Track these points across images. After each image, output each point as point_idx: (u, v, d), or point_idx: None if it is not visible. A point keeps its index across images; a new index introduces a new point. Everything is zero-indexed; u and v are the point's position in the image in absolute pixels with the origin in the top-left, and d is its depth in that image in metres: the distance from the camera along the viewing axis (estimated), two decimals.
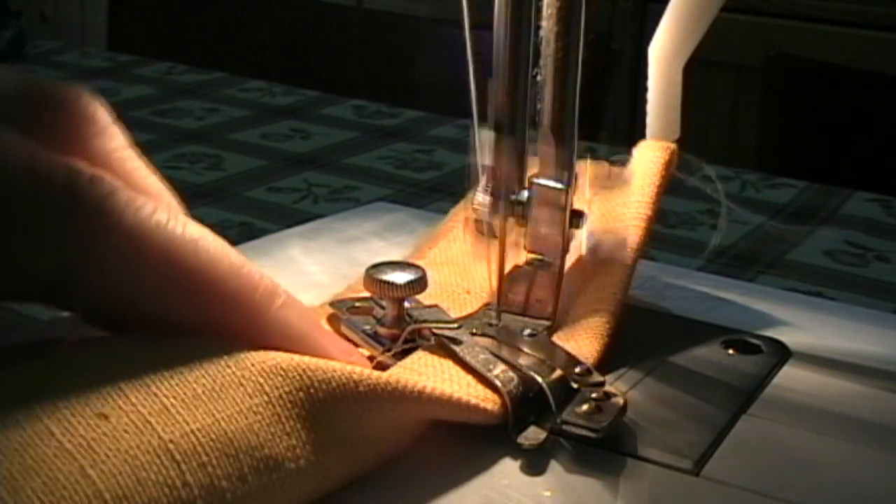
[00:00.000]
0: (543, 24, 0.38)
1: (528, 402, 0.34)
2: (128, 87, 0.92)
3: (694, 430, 0.35)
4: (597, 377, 0.36)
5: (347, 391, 0.30)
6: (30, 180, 0.27)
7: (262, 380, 0.29)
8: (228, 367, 0.29)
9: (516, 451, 0.34)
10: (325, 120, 0.86)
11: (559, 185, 0.39)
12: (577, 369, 0.36)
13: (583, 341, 0.38)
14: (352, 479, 0.31)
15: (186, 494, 0.26)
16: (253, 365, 0.30)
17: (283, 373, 0.30)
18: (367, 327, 0.38)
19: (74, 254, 0.28)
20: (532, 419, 0.34)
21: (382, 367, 0.35)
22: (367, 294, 0.38)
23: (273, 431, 0.29)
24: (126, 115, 0.34)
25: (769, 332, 0.42)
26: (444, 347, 0.36)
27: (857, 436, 0.36)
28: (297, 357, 0.30)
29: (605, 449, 0.34)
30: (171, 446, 0.27)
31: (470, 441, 0.34)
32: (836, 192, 0.71)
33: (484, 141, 0.38)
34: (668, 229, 0.64)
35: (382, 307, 0.38)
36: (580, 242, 0.41)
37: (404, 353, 0.36)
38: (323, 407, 0.30)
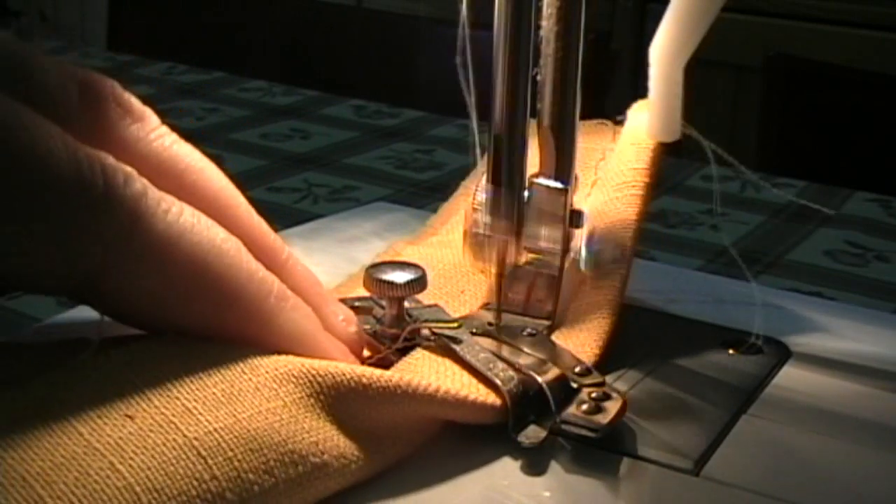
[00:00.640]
0: (543, 24, 0.38)
1: (528, 402, 0.34)
2: (128, 87, 0.92)
3: (694, 430, 0.35)
4: (597, 377, 0.36)
5: (357, 393, 0.31)
6: (73, 179, 0.27)
7: (275, 385, 0.30)
8: (244, 373, 0.30)
9: (516, 451, 0.34)
10: (325, 120, 0.86)
11: (559, 185, 0.39)
12: (577, 369, 0.36)
13: (582, 341, 0.38)
14: (374, 474, 0.32)
15: (215, 487, 0.27)
16: (267, 371, 0.31)
17: (294, 380, 0.31)
18: (368, 327, 0.38)
19: (109, 254, 0.28)
20: (532, 418, 0.34)
21: (384, 365, 0.35)
22: (366, 294, 0.38)
23: (294, 430, 0.30)
24: None
25: (769, 332, 0.42)
26: (444, 347, 0.36)
27: (857, 436, 0.36)
28: (307, 363, 0.31)
29: (605, 449, 0.34)
30: (196, 443, 0.28)
31: (470, 441, 0.34)
32: (836, 192, 0.71)
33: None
34: (668, 229, 0.64)
35: (382, 307, 0.38)
36: (579, 242, 0.41)
37: (404, 352, 0.36)
38: (335, 409, 0.31)
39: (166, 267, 0.29)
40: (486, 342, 0.37)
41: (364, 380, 0.31)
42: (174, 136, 0.33)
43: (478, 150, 0.38)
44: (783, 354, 0.41)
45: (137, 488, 0.26)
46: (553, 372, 0.35)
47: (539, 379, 0.35)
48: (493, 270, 0.39)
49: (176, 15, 1.40)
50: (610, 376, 0.37)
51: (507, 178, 0.38)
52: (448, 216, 0.47)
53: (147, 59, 1.02)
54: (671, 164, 0.75)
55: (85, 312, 0.31)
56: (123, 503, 0.26)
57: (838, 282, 0.57)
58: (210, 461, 0.27)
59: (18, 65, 0.29)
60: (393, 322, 0.37)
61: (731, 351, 0.41)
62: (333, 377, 0.31)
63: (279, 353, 0.31)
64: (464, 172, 0.45)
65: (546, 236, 0.40)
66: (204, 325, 0.31)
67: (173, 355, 0.30)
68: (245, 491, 0.28)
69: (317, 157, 0.76)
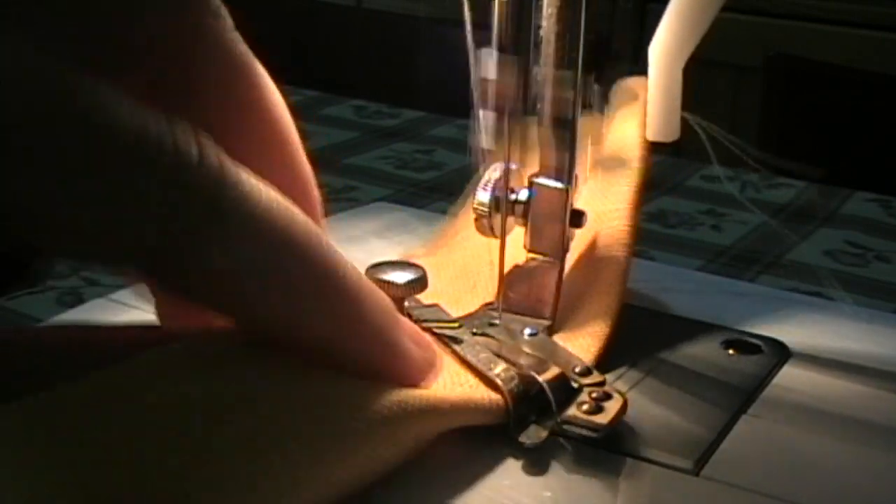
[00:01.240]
0: (543, 23, 0.38)
1: (528, 401, 0.34)
2: None
3: (694, 430, 0.35)
4: (597, 377, 0.36)
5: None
6: (137, 150, 0.25)
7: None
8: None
9: (517, 452, 0.34)
10: (325, 120, 0.86)
11: (559, 185, 0.39)
12: (578, 368, 0.36)
13: (583, 340, 0.38)
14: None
15: None
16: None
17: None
18: None
19: (181, 236, 0.26)
20: (533, 418, 0.34)
21: None
22: None
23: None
24: None
25: (769, 332, 0.42)
26: (445, 347, 0.36)
27: (857, 436, 0.36)
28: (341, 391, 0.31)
29: (605, 449, 0.34)
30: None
31: (471, 441, 0.34)
32: (837, 192, 0.71)
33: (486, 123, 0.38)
34: (668, 229, 0.64)
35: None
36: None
37: None
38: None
39: (247, 245, 0.27)
40: (487, 342, 0.37)
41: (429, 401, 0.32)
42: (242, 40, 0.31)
43: (480, 150, 0.38)
44: (783, 354, 0.41)
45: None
46: (553, 372, 0.35)
47: (540, 379, 0.35)
48: (494, 269, 0.39)
49: None
50: (610, 376, 0.37)
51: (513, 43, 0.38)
52: (444, 238, 0.46)
53: None
54: (671, 164, 0.75)
55: (84, 314, 0.31)
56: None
57: (838, 282, 0.57)
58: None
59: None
60: None
61: (731, 351, 0.41)
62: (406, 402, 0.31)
63: (354, 353, 0.31)
64: (464, 172, 0.45)
65: (546, 236, 0.40)
66: (278, 315, 0.29)
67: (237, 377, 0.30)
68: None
69: (317, 157, 0.76)
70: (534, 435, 0.34)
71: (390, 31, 1.30)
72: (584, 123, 0.40)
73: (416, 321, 0.37)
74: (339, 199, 0.66)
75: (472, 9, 0.36)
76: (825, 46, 1.48)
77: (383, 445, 0.31)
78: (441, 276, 0.42)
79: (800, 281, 0.57)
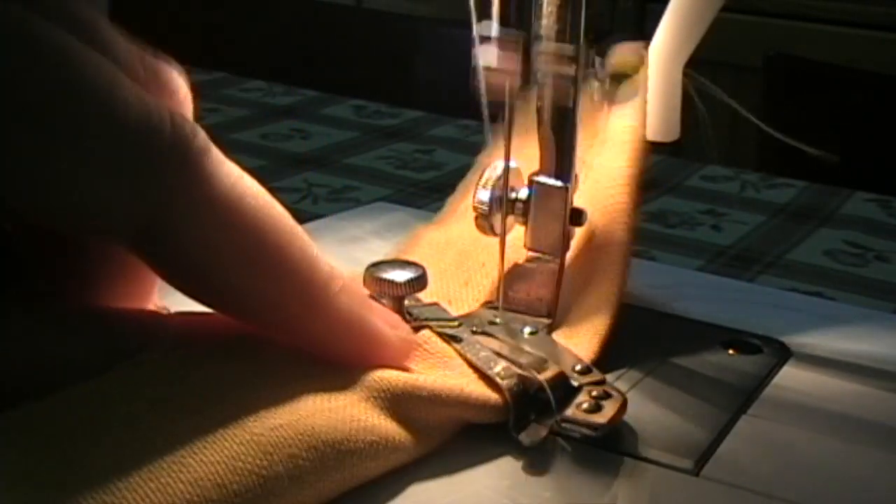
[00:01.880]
0: (543, 23, 0.38)
1: (528, 400, 0.34)
2: None
3: (694, 430, 0.35)
4: (597, 375, 0.36)
5: (412, 396, 0.32)
6: (142, 123, 0.27)
7: (334, 390, 0.31)
8: (306, 377, 0.31)
9: (517, 451, 0.34)
10: (325, 120, 0.86)
11: (559, 184, 0.39)
12: (578, 367, 0.36)
13: (582, 339, 0.38)
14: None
15: (277, 483, 0.28)
16: (324, 378, 0.32)
17: (351, 385, 0.32)
18: None
19: (173, 201, 0.28)
20: (533, 417, 0.34)
21: None
22: (366, 292, 0.38)
23: (353, 428, 0.31)
24: None
25: (769, 332, 0.42)
26: (446, 345, 0.36)
27: (857, 436, 0.36)
28: (364, 373, 0.32)
29: (605, 449, 0.34)
30: (261, 439, 0.28)
31: (470, 441, 0.34)
32: (837, 192, 0.71)
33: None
34: (668, 229, 0.64)
35: (383, 305, 0.38)
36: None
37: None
38: (390, 410, 0.32)
39: (228, 224, 0.29)
40: (487, 341, 0.37)
41: (419, 383, 0.33)
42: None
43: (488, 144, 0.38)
44: (783, 354, 0.41)
45: (206, 483, 0.26)
46: (553, 370, 0.35)
47: (539, 377, 0.35)
48: (493, 269, 0.39)
49: (176, 15, 1.40)
50: (610, 376, 0.37)
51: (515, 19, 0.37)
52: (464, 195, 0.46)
53: None
54: (671, 164, 0.75)
55: None
56: (192, 497, 0.26)
57: (838, 282, 0.57)
58: (275, 457, 0.28)
59: (91, 32, 0.29)
60: None
61: (731, 351, 0.41)
62: (389, 382, 0.32)
63: (330, 340, 0.32)
64: (464, 172, 0.45)
65: (546, 234, 0.40)
66: (254, 297, 0.30)
67: (235, 357, 0.31)
68: (304, 485, 0.29)
69: (317, 157, 0.76)
70: (533, 434, 0.34)
71: (390, 31, 1.30)
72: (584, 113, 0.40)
73: (416, 320, 0.37)
74: (339, 199, 0.66)
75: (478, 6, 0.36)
76: (825, 46, 1.48)
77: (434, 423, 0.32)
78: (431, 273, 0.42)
79: (800, 281, 0.57)
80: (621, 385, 0.37)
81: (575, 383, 0.35)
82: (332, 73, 1.22)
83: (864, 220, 0.66)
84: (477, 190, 0.39)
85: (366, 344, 0.33)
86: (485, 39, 0.37)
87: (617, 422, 0.34)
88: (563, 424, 0.34)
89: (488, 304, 0.40)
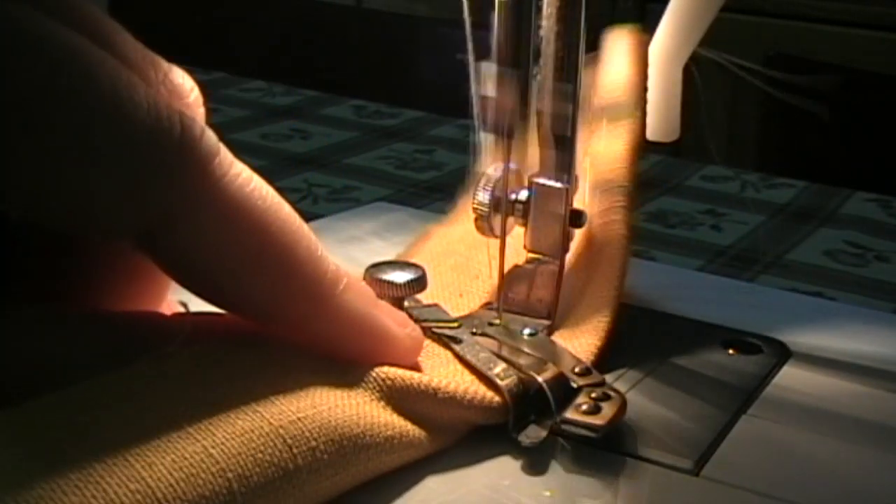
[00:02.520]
0: (543, 23, 0.38)
1: (528, 401, 0.34)
2: None
3: (694, 430, 0.35)
4: (597, 376, 0.36)
5: (423, 395, 0.33)
6: (151, 124, 0.27)
7: (348, 388, 0.32)
8: (318, 373, 0.31)
9: (517, 451, 0.34)
10: (325, 120, 0.86)
11: (559, 185, 0.39)
12: (577, 368, 0.36)
13: (582, 340, 0.38)
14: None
15: (297, 476, 0.28)
16: (338, 375, 0.32)
17: (364, 383, 0.32)
18: None
19: (181, 201, 0.28)
20: (532, 418, 0.34)
21: None
22: None
23: (371, 423, 0.31)
24: None
25: (769, 332, 0.42)
26: (445, 346, 0.36)
27: (857, 436, 0.36)
28: (375, 369, 0.32)
29: (605, 449, 0.34)
30: (281, 431, 0.28)
31: (470, 440, 0.34)
32: (837, 192, 0.71)
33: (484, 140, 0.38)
34: (668, 229, 0.64)
35: None
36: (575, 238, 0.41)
37: None
38: (402, 407, 0.33)
39: (235, 225, 0.29)
40: (486, 342, 0.37)
41: (432, 383, 0.33)
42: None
43: (483, 146, 0.38)
44: (783, 354, 0.41)
45: (229, 474, 0.27)
46: (553, 372, 0.35)
47: (539, 378, 0.35)
48: (493, 270, 0.39)
49: (176, 15, 1.40)
50: (610, 376, 0.37)
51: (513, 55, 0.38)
52: (430, 235, 0.46)
53: None
54: (671, 164, 0.75)
55: None
56: (217, 488, 0.26)
57: (838, 282, 0.57)
58: (294, 450, 0.28)
59: (98, 31, 0.29)
60: None
61: (731, 351, 0.41)
62: (402, 380, 0.32)
63: (338, 338, 0.32)
64: (464, 172, 0.45)
65: (546, 236, 0.40)
66: (260, 297, 0.30)
67: (250, 352, 0.31)
68: (322, 478, 0.29)
69: (317, 157, 0.76)
70: (533, 435, 0.34)
71: (390, 31, 1.30)
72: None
73: (416, 321, 0.37)
74: (339, 199, 0.66)
75: (471, 12, 0.36)
76: (825, 46, 1.48)
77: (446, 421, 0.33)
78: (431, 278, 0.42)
79: (800, 281, 0.57)
80: (621, 385, 0.37)
81: (574, 385, 0.35)
82: (332, 73, 1.22)
83: (864, 220, 0.66)
84: (477, 191, 0.39)
85: (374, 341, 0.33)
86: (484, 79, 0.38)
87: (616, 423, 0.34)
88: (563, 425, 0.34)
89: (488, 306, 0.40)
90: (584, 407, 0.34)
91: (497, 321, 0.39)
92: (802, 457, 0.35)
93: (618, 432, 0.34)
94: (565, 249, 0.40)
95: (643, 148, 0.43)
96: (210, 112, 0.33)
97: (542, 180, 0.40)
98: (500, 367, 0.35)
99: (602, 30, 0.42)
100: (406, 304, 0.37)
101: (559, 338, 0.39)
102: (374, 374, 0.32)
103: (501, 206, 0.39)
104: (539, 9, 0.38)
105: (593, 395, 0.35)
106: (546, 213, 0.40)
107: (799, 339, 0.42)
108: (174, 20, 1.39)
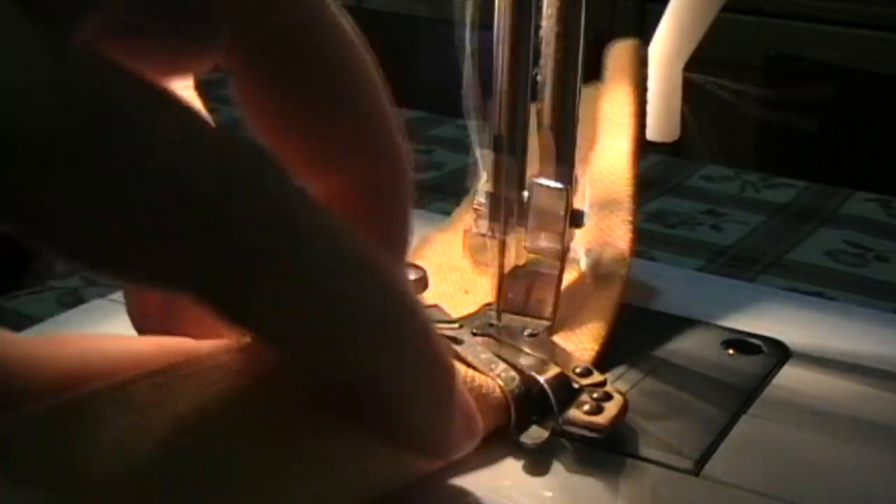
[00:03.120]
0: (543, 23, 0.38)
1: (530, 402, 0.34)
2: None
3: (694, 430, 0.35)
4: (597, 377, 0.36)
5: None
6: (218, 164, 0.22)
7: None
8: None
9: (518, 452, 0.34)
10: None
11: (559, 186, 0.39)
12: (578, 369, 0.36)
13: (583, 341, 0.38)
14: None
15: None
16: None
17: None
18: None
19: (241, 247, 0.21)
20: (534, 419, 0.34)
21: None
22: None
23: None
24: None
25: (769, 332, 0.43)
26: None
27: (857, 436, 0.36)
28: None
29: (605, 449, 0.34)
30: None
31: None
32: (837, 192, 0.71)
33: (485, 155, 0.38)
34: (667, 229, 0.64)
35: None
36: (578, 252, 0.41)
37: None
38: None
39: (318, 262, 0.23)
40: (487, 342, 0.37)
41: None
42: None
43: (478, 151, 0.38)
44: (783, 354, 0.41)
45: None
46: (554, 372, 0.35)
47: (540, 379, 0.35)
48: (493, 271, 0.39)
49: None
50: (610, 376, 0.37)
51: (507, 178, 0.38)
52: (431, 243, 0.46)
53: None
54: (671, 164, 0.75)
55: (84, 314, 0.31)
56: None
57: (838, 282, 0.57)
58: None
59: None
60: None
61: (731, 351, 0.41)
62: None
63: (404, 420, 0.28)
64: (464, 172, 0.45)
65: (546, 236, 0.40)
66: (337, 356, 0.24)
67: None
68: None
69: None
70: (535, 435, 0.34)
71: (390, 31, 1.30)
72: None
73: None
74: None
75: (473, 10, 0.36)
76: (825, 46, 1.48)
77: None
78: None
79: (800, 281, 0.57)
80: (621, 385, 0.37)
81: (576, 385, 0.35)
82: None
83: (864, 220, 0.66)
84: (477, 191, 0.39)
85: (437, 431, 0.28)
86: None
87: (617, 423, 0.34)
88: (565, 426, 0.34)
89: (488, 306, 0.40)
90: (587, 407, 0.34)
91: (497, 322, 0.39)
92: (802, 457, 0.35)
93: (618, 432, 0.34)
94: (565, 250, 0.40)
95: (643, 148, 0.43)
96: (210, 112, 0.32)
97: (542, 180, 0.40)
98: (501, 367, 0.35)
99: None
100: None
101: (559, 338, 0.39)
102: None
103: (501, 206, 0.39)
104: (539, 9, 0.38)
105: (595, 395, 0.35)
106: (546, 214, 0.40)
107: (799, 339, 0.42)
108: None
